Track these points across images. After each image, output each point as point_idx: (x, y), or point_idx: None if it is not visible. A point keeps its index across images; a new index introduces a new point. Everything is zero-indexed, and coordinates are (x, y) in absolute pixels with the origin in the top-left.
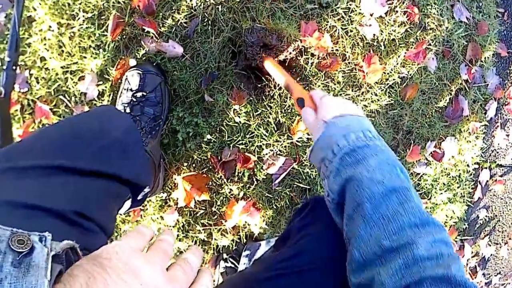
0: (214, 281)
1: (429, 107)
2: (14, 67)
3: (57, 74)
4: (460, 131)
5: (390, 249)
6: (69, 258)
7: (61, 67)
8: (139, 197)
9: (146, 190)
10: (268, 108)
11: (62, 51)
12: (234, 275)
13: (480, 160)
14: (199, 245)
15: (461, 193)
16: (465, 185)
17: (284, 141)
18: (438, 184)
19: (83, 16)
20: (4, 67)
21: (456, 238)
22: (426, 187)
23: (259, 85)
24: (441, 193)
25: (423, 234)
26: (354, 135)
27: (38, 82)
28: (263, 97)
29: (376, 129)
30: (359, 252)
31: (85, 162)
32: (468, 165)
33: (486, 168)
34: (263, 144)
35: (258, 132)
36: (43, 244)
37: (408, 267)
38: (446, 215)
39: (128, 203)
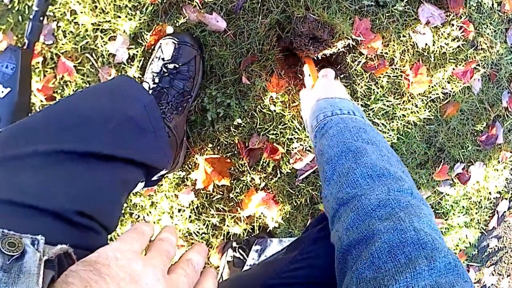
0: (218, 268)
1: (465, 128)
2: (41, 18)
3: (86, 30)
4: (490, 158)
5: (343, 202)
6: (62, 262)
7: (92, 24)
8: (154, 178)
9: (163, 172)
10: None
11: (96, 6)
12: (240, 274)
13: (502, 190)
14: (210, 229)
15: (477, 219)
16: (483, 212)
17: None
18: (458, 206)
19: None
20: (31, 16)
21: (463, 262)
22: (446, 208)
23: (299, 77)
24: (459, 216)
25: (378, 184)
26: (322, 115)
27: (65, 36)
28: (303, 88)
29: (410, 141)
30: (325, 211)
31: (94, 145)
32: (490, 193)
33: (506, 199)
34: (294, 137)
35: (291, 124)
36: (36, 248)
37: (360, 219)
38: (459, 239)
39: (141, 184)
